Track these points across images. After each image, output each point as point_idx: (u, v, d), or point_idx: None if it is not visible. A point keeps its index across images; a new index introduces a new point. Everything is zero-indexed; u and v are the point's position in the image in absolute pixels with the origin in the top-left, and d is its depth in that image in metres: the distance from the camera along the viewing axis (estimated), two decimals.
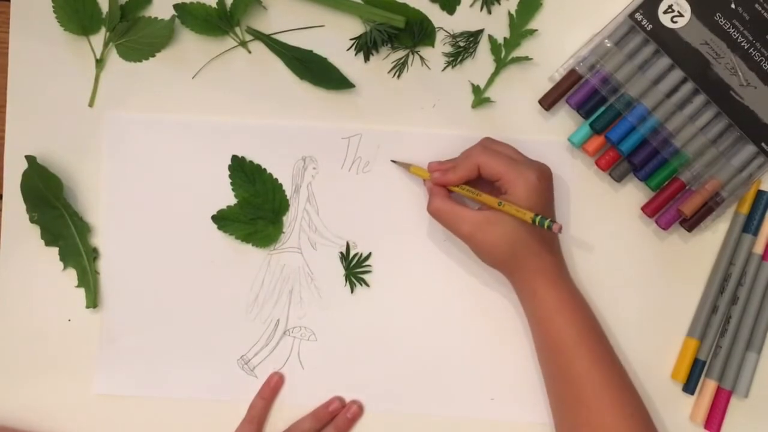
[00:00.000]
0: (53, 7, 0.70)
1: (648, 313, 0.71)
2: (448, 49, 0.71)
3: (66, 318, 0.71)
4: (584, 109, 0.69)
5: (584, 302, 0.68)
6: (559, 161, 0.71)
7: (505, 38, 0.71)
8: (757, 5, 0.68)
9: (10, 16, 0.71)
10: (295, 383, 0.71)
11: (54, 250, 0.71)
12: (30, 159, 0.70)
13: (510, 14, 0.71)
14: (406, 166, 0.70)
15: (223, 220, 0.71)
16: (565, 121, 0.71)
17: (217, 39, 0.71)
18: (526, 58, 0.71)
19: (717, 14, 0.68)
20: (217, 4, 0.71)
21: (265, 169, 0.71)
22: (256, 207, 0.71)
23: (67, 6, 0.70)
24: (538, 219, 0.63)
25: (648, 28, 0.68)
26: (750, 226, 0.70)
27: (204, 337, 0.71)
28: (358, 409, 0.71)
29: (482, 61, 0.71)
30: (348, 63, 0.71)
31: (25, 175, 0.70)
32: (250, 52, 0.72)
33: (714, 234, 0.71)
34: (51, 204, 0.70)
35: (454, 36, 0.71)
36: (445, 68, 0.71)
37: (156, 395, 0.71)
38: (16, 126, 0.72)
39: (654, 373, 0.71)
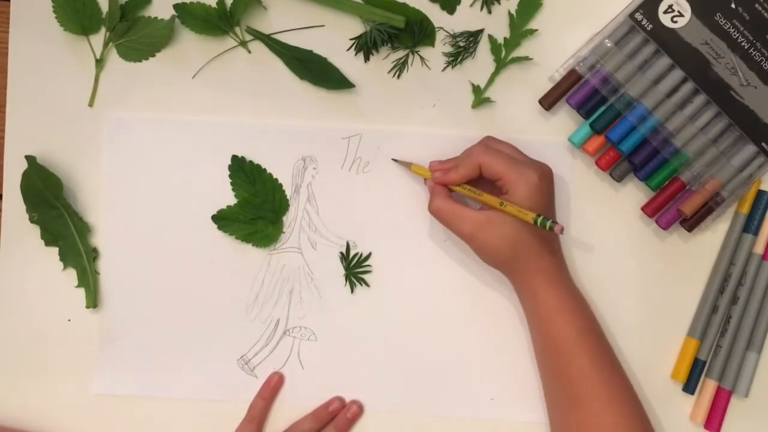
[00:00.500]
0: (53, 7, 0.70)
1: (648, 313, 0.71)
2: (448, 49, 0.71)
3: (66, 318, 0.71)
4: (584, 109, 0.69)
5: (584, 303, 0.68)
6: (559, 161, 0.71)
7: (505, 38, 0.71)
8: (757, 5, 0.68)
9: (10, 16, 0.71)
10: (295, 383, 0.71)
11: (54, 250, 0.71)
12: (30, 159, 0.70)
13: (510, 14, 0.71)
14: (407, 165, 0.70)
15: (223, 220, 0.71)
16: (565, 121, 0.71)
17: (217, 39, 0.71)
18: (526, 58, 0.71)
19: (717, 14, 0.68)
20: (217, 4, 0.70)
21: (265, 169, 0.71)
22: (256, 207, 0.71)
23: (67, 6, 0.70)
24: (539, 220, 0.63)
25: (648, 28, 0.68)
26: (750, 226, 0.70)
27: (204, 337, 0.71)
28: (358, 409, 0.71)
29: (482, 61, 0.71)
30: (348, 63, 0.71)
31: (25, 175, 0.70)
32: (250, 52, 0.72)
33: (714, 234, 0.71)
34: (51, 204, 0.70)
35: (454, 36, 0.71)
36: (445, 68, 0.71)
37: (156, 395, 0.71)
38: (16, 126, 0.72)
39: (654, 373, 0.71)
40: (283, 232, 0.72)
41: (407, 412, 0.71)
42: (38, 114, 0.71)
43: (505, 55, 0.71)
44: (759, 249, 0.70)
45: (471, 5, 0.71)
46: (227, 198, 0.71)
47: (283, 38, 0.71)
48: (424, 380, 0.71)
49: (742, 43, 0.68)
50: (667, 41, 0.68)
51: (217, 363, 0.71)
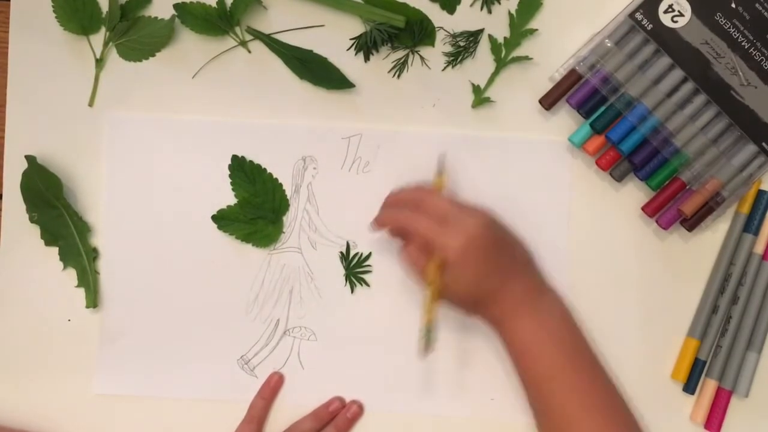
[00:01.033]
0: (53, 6, 0.70)
1: (648, 313, 0.71)
2: (448, 48, 0.71)
3: (66, 318, 0.71)
4: (584, 108, 0.69)
5: (560, 323, 0.65)
6: (559, 161, 0.71)
7: (505, 38, 0.71)
8: (757, 5, 0.68)
9: (10, 16, 0.71)
10: (295, 383, 0.71)
11: (54, 250, 0.71)
12: (30, 159, 0.70)
13: (510, 14, 0.71)
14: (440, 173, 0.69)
15: (223, 220, 0.71)
16: (566, 120, 0.71)
17: (217, 39, 0.71)
18: (527, 58, 0.71)
19: (717, 14, 0.68)
20: (217, 3, 0.70)
21: (265, 169, 0.71)
22: (256, 207, 0.71)
23: (67, 6, 0.70)
24: (424, 332, 0.64)
25: (648, 28, 0.68)
26: (750, 225, 0.70)
27: (204, 337, 0.71)
28: (358, 409, 0.71)
29: (482, 60, 0.71)
30: (348, 63, 0.71)
31: (25, 175, 0.70)
32: (250, 51, 0.72)
33: (714, 234, 0.71)
34: (51, 204, 0.70)
35: (454, 36, 0.71)
36: (445, 68, 0.71)
37: (156, 395, 0.71)
38: (16, 126, 0.72)
39: (654, 373, 0.71)
40: (283, 232, 0.72)
41: (407, 412, 0.71)
42: (38, 114, 0.71)
43: (505, 55, 0.71)
44: (759, 249, 0.70)
45: (471, 5, 0.71)
46: (227, 198, 0.71)
47: (283, 38, 0.71)
48: (424, 380, 0.71)
49: (743, 43, 0.68)
50: (667, 41, 0.68)
51: (217, 363, 0.71)
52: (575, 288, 0.71)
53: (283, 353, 0.71)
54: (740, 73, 0.68)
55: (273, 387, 0.71)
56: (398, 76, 0.71)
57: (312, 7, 0.71)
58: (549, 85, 0.70)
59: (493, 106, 0.71)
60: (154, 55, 0.71)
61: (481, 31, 0.71)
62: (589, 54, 0.69)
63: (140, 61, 0.72)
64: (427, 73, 0.71)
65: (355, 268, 0.71)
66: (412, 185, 0.68)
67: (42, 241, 0.71)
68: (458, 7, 0.71)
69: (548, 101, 0.70)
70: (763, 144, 0.68)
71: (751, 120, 0.68)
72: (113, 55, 0.72)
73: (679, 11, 0.68)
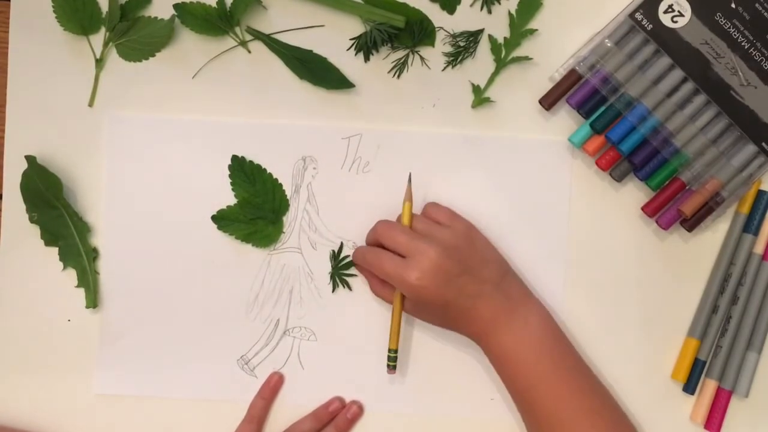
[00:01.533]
0: (53, 6, 0.70)
1: (648, 313, 0.71)
2: (448, 48, 0.71)
3: (66, 318, 0.71)
4: (584, 108, 0.69)
5: (538, 333, 0.66)
6: (559, 161, 0.71)
7: (505, 38, 0.71)
8: (757, 5, 0.68)
9: (10, 16, 0.71)
10: (295, 383, 0.71)
11: (54, 250, 0.71)
12: (30, 159, 0.70)
13: (510, 14, 0.71)
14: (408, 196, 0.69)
15: (223, 220, 0.71)
16: (566, 121, 0.71)
17: (217, 39, 0.71)
18: (526, 58, 0.71)
19: (717, 14, 0.68)
20: (217, 3, 0.70)
21: (265, 169, 0.71)
22: (256, 207, 0.71)
23: (67, 6, 0.70)
24: (389, 354, 0.68)
25: (648, 28, 0.68)
26: (750, 226, 0.70)
27: (204, 337, 0.71)
28: (358, 409, 0.71)
29: (482, 61, 0.71)
30: (348, 63, 0.71)
31: (25, 175, 0.70)
32: (250, 52, 0.72)
33: (714, 234, 0.71)
34: (51, 204, 0.70)
35: (454, 36, 0.71)
36: (445, 68, 0.71)
37: (156, 395, 0.71)
38: (16, 126, 0.72)
39: (654, 373, 0.71)
40: (283, 232, 0.72)
41: (407, 412, 0.71)
42: (38, 114, 0.71)
43: (505, 55, 0.71)
44: (759, 249, 0.70)
45: (471, 5, 0.71)
46: (227, 198, 0.71)
47: (283, 38, 0.71)
48: (424, 380, 0.71)
49: (742, 43, 0.68)
50: (667, 41, 0.68)
51: (217, 363, 0.71)
52: (575, 288, 0.71)
53: (283, 353, 0.71)
54: (740, 74, 0.68)
55: (273, 387, 0.71)
56: (398, 76, 0.71)
57: (312, 7, 0.71)
58: (549, 85, 0.70)
59: (493, 106, 0.71)
60: (154, 55, 0.71)
61: (481, 31, 0.71)
62: (589, 54, 0.69)
63: (140, 61, 0.72)
64: (427, 73, 0.71)
65: (341, 270, 0.71)
66: (380, 221, 0.69)
67: (42, 241, 0.71)
68: (458, 7, 0.71)
69: (548, 101, 0.70)
70: (763, 144, 0.68)
71: (751, 120, 0.68)
72: (113, 55, 0.72)
73: (679, 11, 0.68)
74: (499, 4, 0.71)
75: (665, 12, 0.68)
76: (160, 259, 0.71)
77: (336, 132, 0.71)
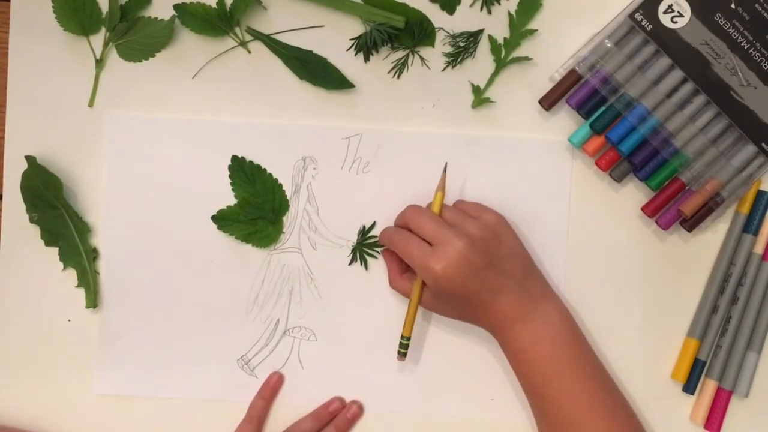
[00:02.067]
0: (53, 7, 0.70)
1: (648, 313, 0.71)
2: (448, 49, 0.71)
3: (66, 318, 0.71)
4: (584, 109, 0.69)
5: (557, 330, 0.66)
6: (559, 161, 0.71)
7: (505, 38, 0.71)
8: (757, 5, 0.68)
9: (10, 16, 0.71)
10: (295, 383, 0.71)
11: (54, 250, 0.71)
12: (30, 159, 0.70)
13: (510, 14, 0.71)
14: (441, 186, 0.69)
15: (223, 220, 0.71)
16: (565, 121, 0.71)
17: (217, 39, 0.71)
18: (526, 58, 0.71)
19: (717, 14, 0.68)
20: (217, 4, 0.71)
21: (265, 169, 0.71)
22: (256, 207, 0.71)
23: (67, 6, 0.70)
24: (401, 340, 0.68)
25: (648, 28, 0.68)
26: (750, 226, 0.70)
27: (204, 337, 0.71)
28: (358, 409, 0.71)
29: (482, 61, 0.71)
30: (348, 63, 0.71)
31: (25, 175, 0.70)
32: (250, 52, 0.72)
33: (714, 234, 0.71)
34: (51, 204, 0.70)
35: (454, 36, 0.71)
36: (445, 68, 0.71)
37: (156, 395, 0.71)
38: (16, 126, 0.72)
39: (654, 373, 0.71)
40: (283, 232, 0.72)
41: (407, 412, 0.71)
42: (38, 114, 0.71)
43: (505, 55, 0.71)
44: (759, 249, 0.70)
45: (471, 5, 0.71)
46: (227, 198, 0.71)
47: (283, 38, 0.71)
48: (424, 380, 0.71)
49: (742, 44, 0.68)
50: (667, 41, 0.68)
51: (217, 363, 0.71)
52: (575, 288, 0.71)
53: (283, 353, 0.71)
54: (740, 74, 0.68)
55: (273, 387, 0.71)
56: (398, 77, 0.71)
57: (312, 7, 0.71)
58: (549, 86, 0.70)
59: (493, 106, 0.71)
60: (154, 56, 0.71)
61: (480, 31, 0.71)
62: (589, 54, 0.69)
63: (140, 61, 0.72)
64: (426, 74, 0.72)
65: (365, 246, 0.71)
66: (410, 205, 0.68)
67: (42, 241, 0.71)
68: (458, 8, 0.71)
69: (548, 101, 0.70)
70: (763, 144, 0.68)
71: (750, 120, 0.68)
72: (113, 56, 0.72)
73: (678, 12, 0.68)
74: (499, 4, 0.71)
75: (665, 12, 0.68)
76: (160, 259, 0.71)
77: (336, 132, 0.71)
